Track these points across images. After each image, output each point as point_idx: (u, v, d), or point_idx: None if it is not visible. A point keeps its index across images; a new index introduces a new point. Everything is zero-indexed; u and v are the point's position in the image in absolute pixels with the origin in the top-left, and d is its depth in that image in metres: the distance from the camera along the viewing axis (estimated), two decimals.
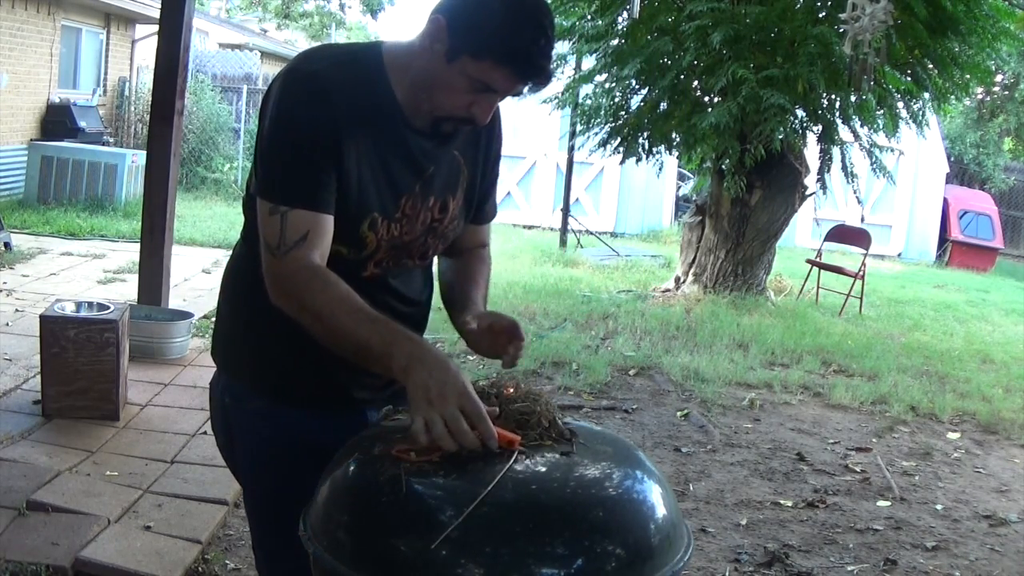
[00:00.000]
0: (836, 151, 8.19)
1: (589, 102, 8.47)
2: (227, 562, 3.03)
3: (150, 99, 6.01)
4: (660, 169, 8.88)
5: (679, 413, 5.07)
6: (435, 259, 1.74)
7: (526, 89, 1.48)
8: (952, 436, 5.14)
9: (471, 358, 5.69)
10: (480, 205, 1.72)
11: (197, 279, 7.35)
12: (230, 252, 1.74)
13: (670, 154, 8.87)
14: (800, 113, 7.85)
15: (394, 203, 1.54)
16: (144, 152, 5.82)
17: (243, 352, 1.66)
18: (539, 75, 1.45)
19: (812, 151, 8.33)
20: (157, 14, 5.70)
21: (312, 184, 1.45)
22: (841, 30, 6.36)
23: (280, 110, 1.46)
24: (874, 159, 8.45)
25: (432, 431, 1.24)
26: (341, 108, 1.46)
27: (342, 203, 1.48)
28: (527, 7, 1.43)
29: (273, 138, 1.47)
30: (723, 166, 8.10)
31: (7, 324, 5.39)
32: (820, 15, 7.63)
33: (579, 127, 8.75)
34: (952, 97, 8.52)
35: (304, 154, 1.45)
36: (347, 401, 1.62)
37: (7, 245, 7.49)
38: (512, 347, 1.56)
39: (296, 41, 27.36)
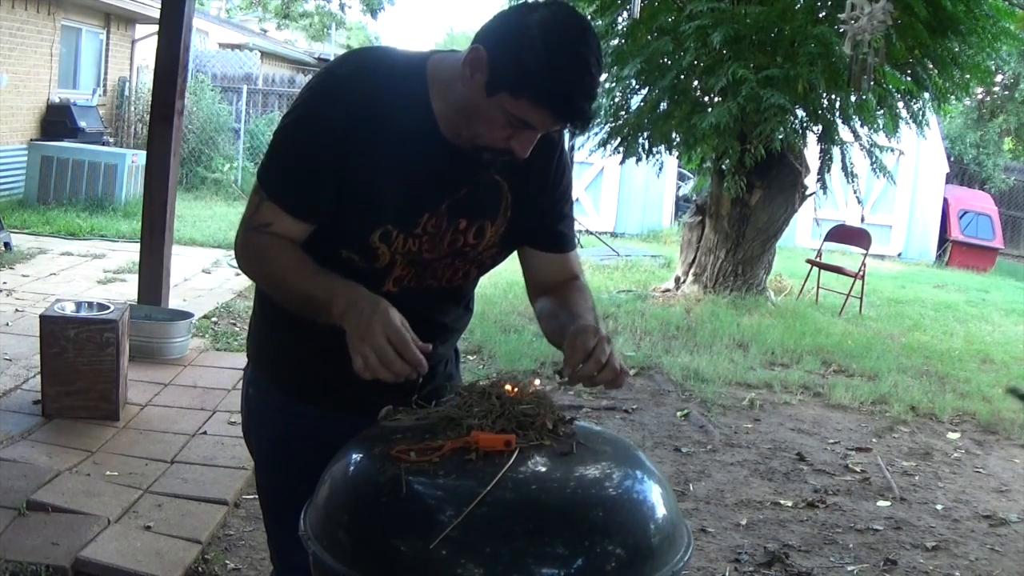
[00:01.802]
0: (836, 151, 8.18)
1: None
2: (227, 562, 3.03)
3: (150, 99, 6.01)
4: (660, 169, 8.88)
5: (679, 413, 5.07)
6: (472, 288, 1.72)
7: (567, 127, 1.44)
8: (952, 436, 5.14)
9: (471, 357, 5.70)
10: (553, 233, 1.67)
11: (197, 279, 7.35)
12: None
13: (670, 154, 8.87)
14: (800, 113, 7.85)
15: (414, 218, 1.51)
16: (144, 152, 5.82)
17: (268, 348, 1.70)
18: (578, 117, 1.39)
19: (812, 151, 8.33)
20: (157, 14, 5.70)
21: (298, 188, 1.48)
22: (841, 30, 6.36)
23: (301, 106, 1.50)
24: (874, 159, 8.45)
25: (367, 365, 1.33)
26: (359, 115, 1.45)
27: (349, 209, 1.48)
28: (571, 44, 1.36)
29: (282, 130, 1.51)
30: (723, 166, 8.10)
31: (7, 324, 5.38)
32: (820, 15, 7.63)
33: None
34: (952, 97, 8.52)
35: (300, 157, 1.48)
36: (363, 404, 1.62)
37: (7, 245, 7.49)
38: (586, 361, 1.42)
39: (296, 41, 27.37)
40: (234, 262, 7.99)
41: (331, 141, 1.45)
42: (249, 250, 1.53)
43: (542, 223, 1.66)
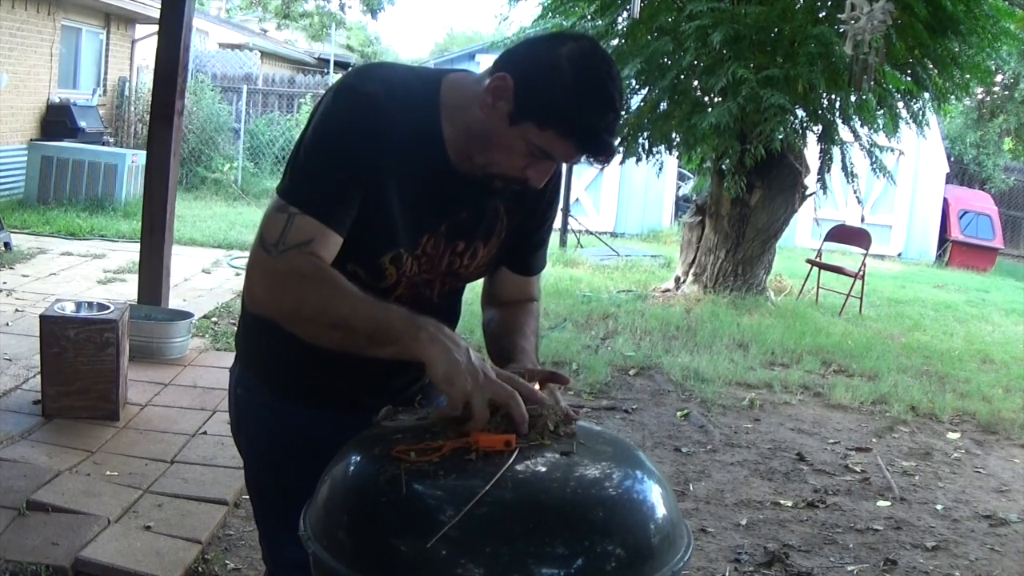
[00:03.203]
0: (836, 151, 8.19)
1: None
2: (227, 562, 3.03)
3: (150, 99, 6.01)
4: (660, 169, 8.89)
5: (679, 413, 5.07)
6: (460, 299, 1.72)
7: (590, 160, 1.43)
8: (952, 436, 5.14)
9: None
10: (527, 258, 1.70)
11: (197, 279, 7.35)
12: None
13: (670, 154, 8.88)
14: (800, 113, 7.86)
15: (415, 239, 1.51)
16: (144, 152, 5.82)
17: (257, 347, 1.69)
18: (604, 150, 1.39)
19: (812, 151, 8.34)
20: (157, 14, 5.70)
21: (331, 198, 1.42)
22: (841, 30, 6.37)
23: (325, 123, 1.44)
24: (874, 159, 8.45)
25: (477, 414, 1.26)
26: (385, 137, 1.43)
27: (362, 228, 1.46)
28: (598, 78, 1.37)
29: (310, 147, 1.44)
30: (723, 166, 8.10)
31: (7, 324, 5.39)
32: (820, 15, 7.64)
33: None
34: (952, 97, 8.53)
35: (334, 168, 1.42)
36: (353, 404, 1.62)
37: (7, 245, 7.50)
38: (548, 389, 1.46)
39: (296, 41, 27.37)
40: (235, 262, 8.04)
41: (359, 156, 1.42)
42: (294, 276, 1.38)
43: (522, 247, 1.68)
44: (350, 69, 1.56)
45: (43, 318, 3.92)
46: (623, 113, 8.53)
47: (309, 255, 1.39)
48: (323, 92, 1.50)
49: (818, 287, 9.06)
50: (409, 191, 1.47)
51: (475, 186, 1.48)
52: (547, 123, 1.36)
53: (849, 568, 3.40)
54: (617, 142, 1.59)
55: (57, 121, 11.07)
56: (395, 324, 1.34)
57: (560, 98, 1.35)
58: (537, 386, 1.42)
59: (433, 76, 1.51)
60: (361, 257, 1.49)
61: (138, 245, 5.38)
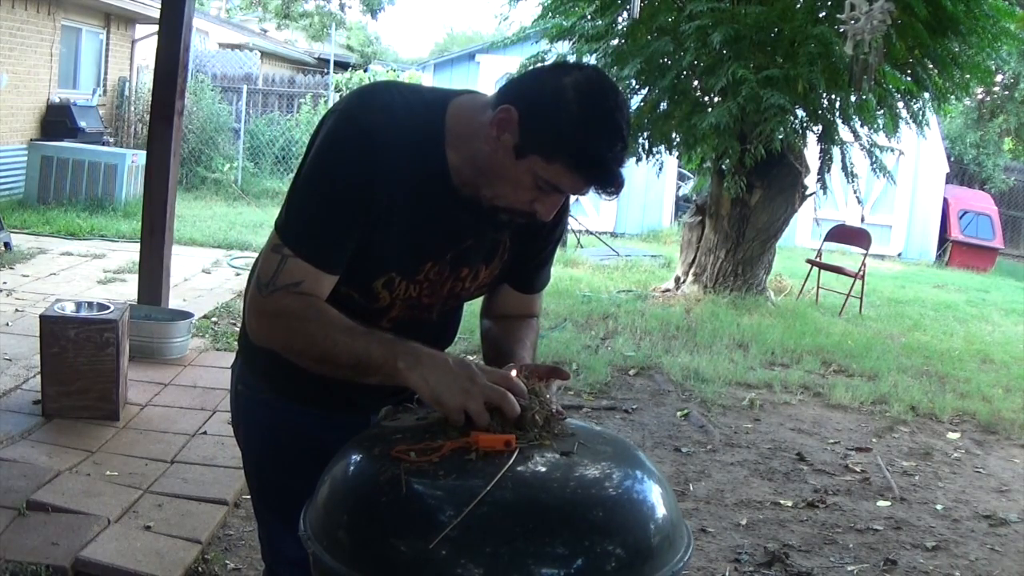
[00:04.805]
0: (836, 151, 8.19)
1: None
2: (227, 562, 3.03)
3: (150, 99, 6.01)
4: (660, 169, 8.89)
5: (679, 413, 5.07)
6: (459, 316, 1.73)
7: (599, 192, 1.41)
8: (952, 436, 5.14)
9: (471, 358, 5.69)
10: (530, 276, 1.70)
11: (197, 279, 7.35)
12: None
13: (670, 154, 8.87)
14: (800, 113, 7.85)
15: (416, 266, 1.50)
16: (144, 152, 5.82)
17: (257, 345, 1.69)
18: (612, 182, 1.36)
19: (812, 151, 8.33)
20: (157, 14, 5.70)
21: (326, 242, 1.42)
22: (841, 30, 6.37)
23: (324, 156, 1.42)
24: (874, 159, 8.45)
25: (478, 420, 1.28)
26: (385, 168, 1.41)
27: (359, 254, 1.45)
28: (604, 110, 1.34)
29: (308, 182, 1.43)
30: (723, 166, 8.10)
31: (7, 324, 5.38)
32: (820, 15, 7.63)
33: None
34: (952, 97, 8.53)
35: (331, 210, 1.41)
36: (351, 404, 1.63)
37: (7, 245, 7.49)
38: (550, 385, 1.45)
39: (296, 41, 27.37)
40: (235, 262, 8.04)
41: (358, 195, 1.41)
42: (282, 315, 1.43)
43: (526, 267, 1.68)
44: (354, 90, 1.52)
45: (43, 318, 3.92)
46: None
47: (298, 294, 1.42)
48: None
49: (818, 287, 9.06)
50: (411, 220, 1.46)
51: (480, 214, 1.46)
52: (554, 156, 1.34)
53: (849, 568, 3.40)
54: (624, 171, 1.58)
55: (57, 121, 11.07)
56: (374, 356, 1.37)
57: (567, 129, 1.33)
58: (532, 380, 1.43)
59: (439, 100, 1.47)
60: (354, 281, 1.49)
61: (138, 245, 5.38)
